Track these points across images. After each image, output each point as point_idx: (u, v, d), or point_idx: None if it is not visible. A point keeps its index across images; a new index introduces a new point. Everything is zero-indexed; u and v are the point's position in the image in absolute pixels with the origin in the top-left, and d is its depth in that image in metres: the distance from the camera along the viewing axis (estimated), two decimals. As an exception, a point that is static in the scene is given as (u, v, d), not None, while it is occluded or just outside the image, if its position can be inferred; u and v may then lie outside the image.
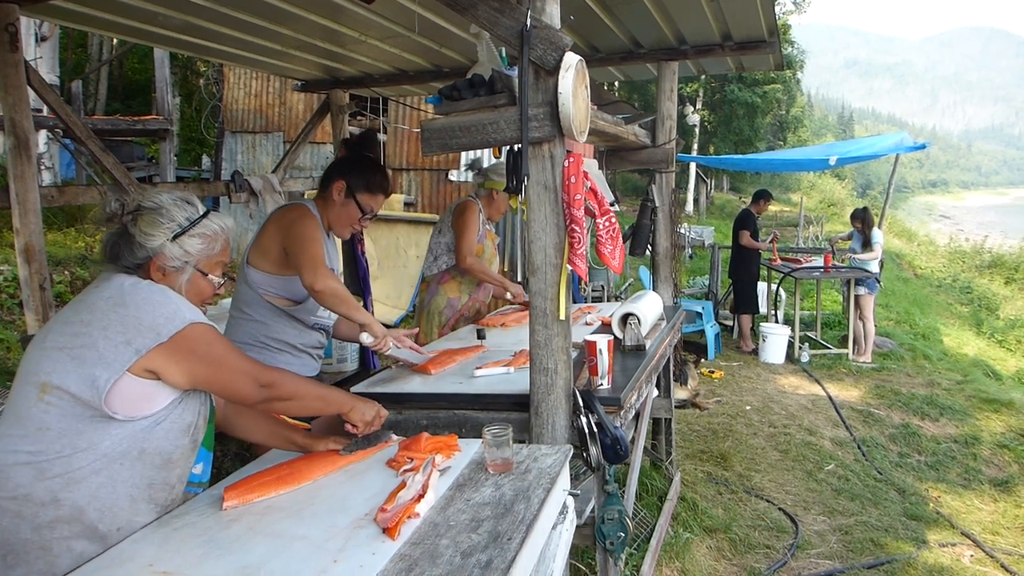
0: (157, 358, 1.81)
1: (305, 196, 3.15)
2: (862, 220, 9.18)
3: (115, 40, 18.13)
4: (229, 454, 4.26)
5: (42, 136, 9.56)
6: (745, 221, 9.36)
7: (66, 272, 8.94)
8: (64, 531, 1.75)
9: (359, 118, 11.83)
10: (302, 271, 2.83)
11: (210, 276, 2.04)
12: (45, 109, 8.85)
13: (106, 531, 1.80)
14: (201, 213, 2.01)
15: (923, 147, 10.28)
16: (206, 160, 16.85)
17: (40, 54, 9.23)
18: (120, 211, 1.95)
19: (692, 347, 8.78)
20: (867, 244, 8.97)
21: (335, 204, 3.06)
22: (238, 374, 1.93)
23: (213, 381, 1.92)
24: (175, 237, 1.94)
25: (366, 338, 2.97)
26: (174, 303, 1.87)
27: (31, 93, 3.67)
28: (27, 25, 8.79)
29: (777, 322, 9.75)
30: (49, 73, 9.60)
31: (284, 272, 2.98)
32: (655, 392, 4.44)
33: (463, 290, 4.52)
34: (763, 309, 10.19)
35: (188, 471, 1.97)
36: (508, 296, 4.59)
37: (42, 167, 9.61)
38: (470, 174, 4.78)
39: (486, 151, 8.33)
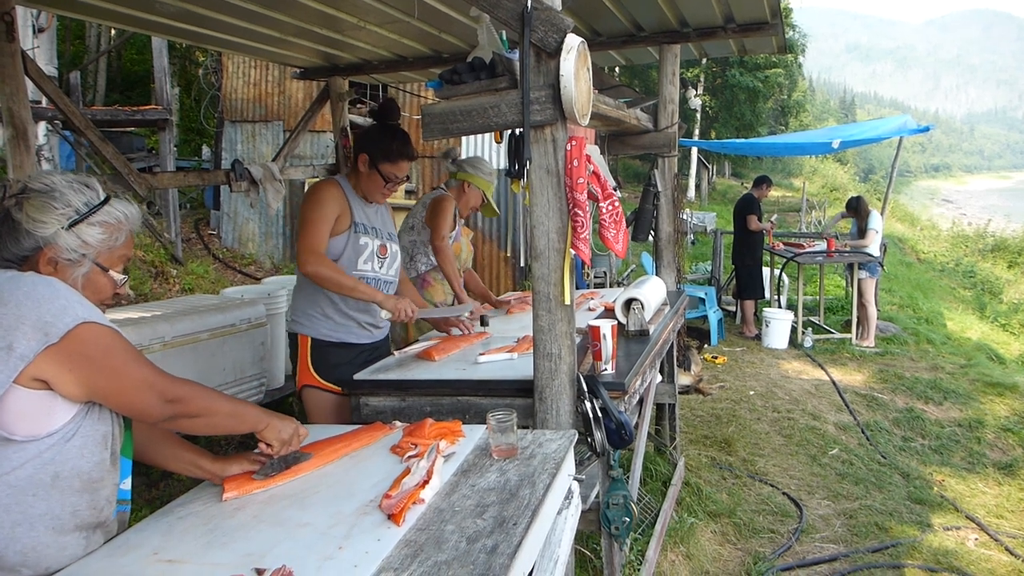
0: (46, 364, 1.55)
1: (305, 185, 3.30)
2: (856, 210, 9.19)
3: (113, 31, 18.08)
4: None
5: (41, 128, 9.51)
6: (750, 205, 9.33)
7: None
8: None
9: (359, 106, 11.79)
10: (296, 255, 3.11)
11: (111, 272, 1.77)
12: (44, 100, 8.81)
13: (32, 573, 1.60)
14: (102, 199, 1.75)
15: (927, 130, 10.24)
16: (206, 150, 16.83)
17: (38, 44, 9.18)
18: (2, 194, 1.69)
19: (695, 333, 8.77)
20: (863, 232, 8.99)
21: (363, 175, 3.29)
22: (141, 386, 1.66)
23: (111, 393, 1.65)
24: (71, 225, 1.68)
25: (384, 313, 3.24)
26: (63, 297, 1.60)
27: (30, 84, 3.64)
28: (24, 16, 8.74)
29: (780, 307, 9.74)
30: (47, 64, 9.55)
31: None
32: (659, 377, 4.43)
33: (447, 290, 4.35)
34: (766, 294, 10.19)
35: (115, 489, 1.76)
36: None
37: (42, 158, 9.57)
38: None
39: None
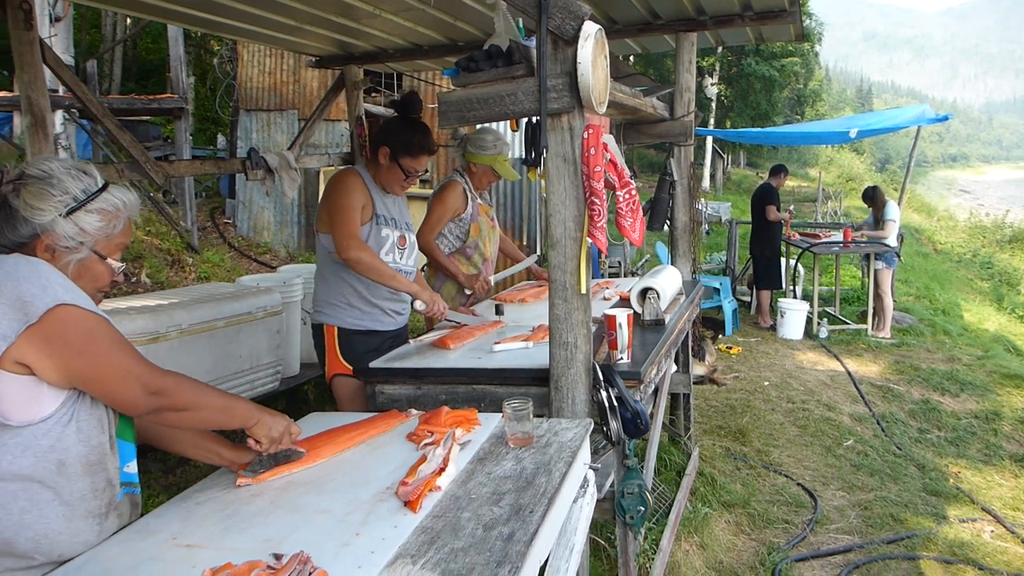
0: (27, 347, 1.52)
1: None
2: (872, 199, 9.15)
3: (128, 20, 18.13)
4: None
5: (58, 116, 9.56)
6: (770, 195, 9.29)
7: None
8: None
9: (374, 95, 11.78)
10: (334, 242, 3.18)
11: (109, 260, 1.74)
12: (61, 89, 8.86)
13: (46, 560, 1.60)
14: (100, 186, 1.72)
15: (946, 119, 10.16)
16: (221, 139, 16.88)
17: (55, 33, 9.22)
18: None
19: (709, 323, 8.74)
20: (878, 222, 8.95)
21: (383, 167, 3.33)
22: (124, 376, 1.61)
23: (91, 380, 1.61)
24: (69, 212, 1.66)
25: (419, 305, 3.29)
26: (44, 278, 1.56)
27: (47, 72, 3.66)
28: (41, 4, 8.78)
29: (795, 298, 9.69)
30: (64, 53, 9.58)
31: None
32: (674, 367, 4.42)
33: (471, 269, 4.35)
34: (783, 285, 10.14)
35: (117, 472, 1.74)
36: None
37: (59, 147, 9.63)
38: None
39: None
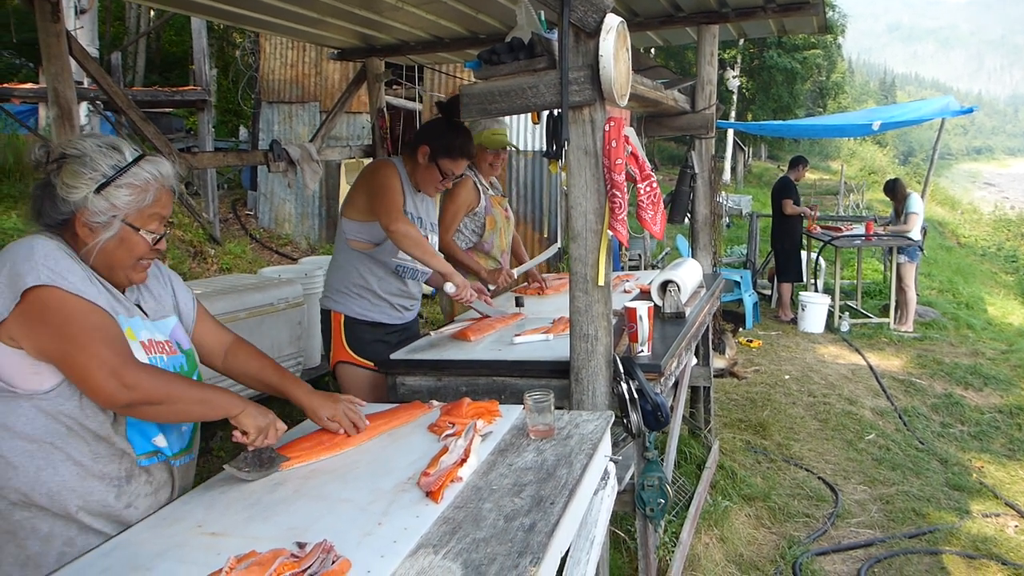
0: (13, 324, 1.60)
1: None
2: (892, 192, 9.07)
3: (152, 12, 18.25)
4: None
5: (83, 108, 9.65)
6: (787, 189, 9.22)
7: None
8: (24, 513, 1.66)
9: (395, 87, 11.79)
10: (379, 215, 3.19)
11: (143, 231, 1.77)
12: (86, 81, 8.94)
13: (62, 512, 1.68)
14: (130, 160, 1.75)
15: (971, 111, 10.05)
16: (243, 131, 16.96)
17: (80, 25, 9.30)
18: (45, 159, 1.71)
19: (730, 316, 8.70)
20: (899, 215, 8.88)
21: (420, 166, 3.35)
22: (96, 363, 1.61)
23: (63, 364, 1.64)
24: (99, 188, 1.70)
25: (449, 287, 3.29)
26: (35, 258, 1.62)
27: (72, 64, 3.70)
28: (66, -3, 8.87)
29: (817, 291, 9.63)
30: (89, 45, 9.66)
31: (368, 218, 3.30)
32: (694, 360, 4.41)
33: (490, 267, 4.29)
34: (803, 278, 10.08)
35: (128, 444, 1.77)
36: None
37: (84, 139, 9.69)
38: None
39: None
